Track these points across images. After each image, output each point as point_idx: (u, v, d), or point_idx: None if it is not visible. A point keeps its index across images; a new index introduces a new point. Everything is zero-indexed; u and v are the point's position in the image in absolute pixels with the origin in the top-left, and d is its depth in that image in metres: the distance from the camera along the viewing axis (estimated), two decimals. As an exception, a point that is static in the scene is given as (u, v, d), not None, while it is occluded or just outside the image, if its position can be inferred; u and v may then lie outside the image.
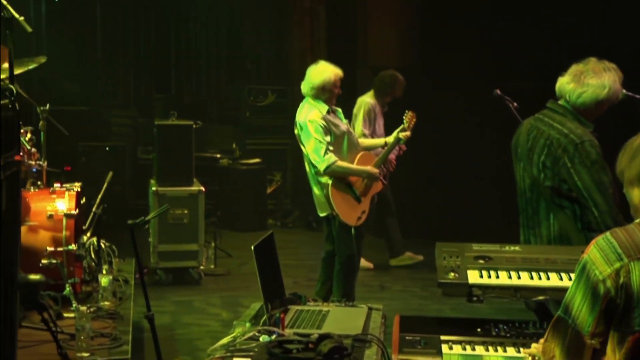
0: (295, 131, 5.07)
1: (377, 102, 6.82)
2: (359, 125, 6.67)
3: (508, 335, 2.94)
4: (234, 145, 9.42)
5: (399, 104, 7.07)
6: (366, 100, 6.82)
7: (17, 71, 5.13)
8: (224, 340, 2.83)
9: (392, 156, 6.79)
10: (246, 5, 10.06)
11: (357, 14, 9.12)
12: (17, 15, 3.64)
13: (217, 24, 10.36)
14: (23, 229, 4.26)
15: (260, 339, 2.83)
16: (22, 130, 4.70)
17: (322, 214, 5.10)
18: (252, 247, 3.10)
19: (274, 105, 9.66)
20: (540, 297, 3.03)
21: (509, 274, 3.11)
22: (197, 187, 6.56)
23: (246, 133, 9.64)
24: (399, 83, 6.88)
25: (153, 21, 10.14)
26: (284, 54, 10.08)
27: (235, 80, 10.17)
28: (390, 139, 5.28)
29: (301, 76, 5.17)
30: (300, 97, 5.17)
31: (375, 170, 5.06)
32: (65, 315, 4.15)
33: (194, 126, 6.72)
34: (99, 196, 5.30)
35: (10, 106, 3.36)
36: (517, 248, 3.29)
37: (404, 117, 5.24)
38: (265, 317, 3.01)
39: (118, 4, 9.92)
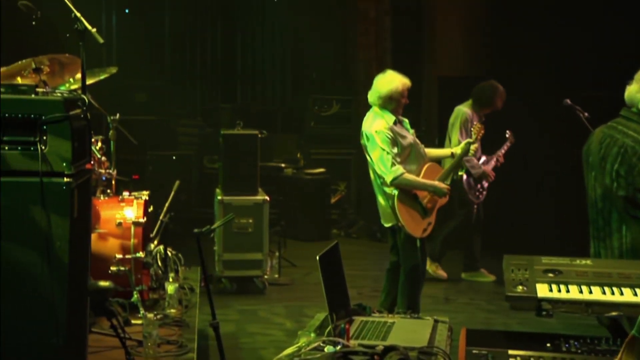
0: (362, 141, 5.06)
1: (475, 113, 6.71)
2: (455, 135, 6.59)
3: (579, 351, 2.86)
4: (298, 155, 9.47)
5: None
6: (463, 110, 6.74)
7: (89, 81, 5.30)
8: (289, 350, 2.84)
9: (489, 168, 6.73)
10: (312, 15, 10.13)
11: (424, 23, 9.08)
12: (89, 27, 3.75)
13: (282, 34, 10.47)
14: (93, 236, 4.37)
15: (325, 349, 2.83)
16: (93, 140, 4.82)
17: (387, 225, 5.07)
18: (317, 257, 3.10)
19: (339, 115, 9.67)
20: (614, 313, 2.94)
21: (580, 288, 3.04)
22: (262, 197, 6.61)
23: (310, 143, 9.68)
24: (499, 94, 6.71)
25: (220, 32, 10.31)
26: (349, 63, 10.10)
27: (300, 90, 10.24)
28: (458, 150, 5.22)
29: (366, 86, 5.17)
30: (365, 107, 5.16)
31: (442, 186, 5.00)
32: (133, 322, 4.23)
33: (259, 136, 6.78)
34: (166, 205, 5.40)
35: (82, 116, 3.46)
36: (588, 262, 3.20)
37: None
38: (330, 327, 3.00)
39: (186, 15, 10.13)
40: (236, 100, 10.34)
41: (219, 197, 6.58)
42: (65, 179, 3.17)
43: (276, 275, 6.93)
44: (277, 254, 6.99)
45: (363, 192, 9.17)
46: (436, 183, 4.98)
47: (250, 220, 6.53)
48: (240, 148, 6.73)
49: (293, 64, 10.44)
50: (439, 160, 5.37)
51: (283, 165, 9.23)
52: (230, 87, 10.35)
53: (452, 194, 6.81)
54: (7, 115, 3.18)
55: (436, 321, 3.35)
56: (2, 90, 3.28)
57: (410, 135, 5.04)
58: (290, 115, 10.25)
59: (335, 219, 9.39)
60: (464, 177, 6.77)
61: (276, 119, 10.19)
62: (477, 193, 6.83)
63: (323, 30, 10.14)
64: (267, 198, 6.62)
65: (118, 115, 5.55)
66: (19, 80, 4.24)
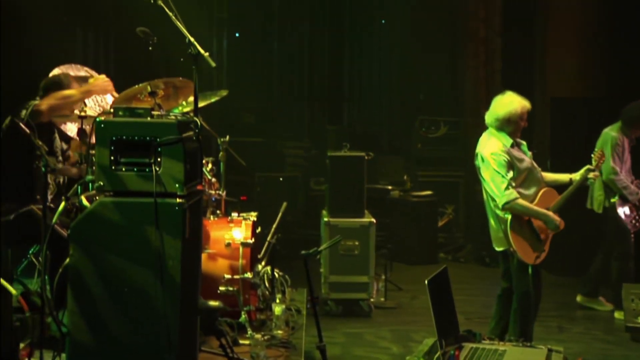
0: (476, 162, 4.97)
1: (625, 135, 6.40)
2: (608, 162, 6.21)
3: None
4: (405, 177, 9.41)
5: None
6: (612, 134, 6.41)
7: (200, 104, 5.46)
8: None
9: None
10: (419, 35, 10.10)
11: (535, 43, 8.87)
12: (202, 52, 3.86)
13: (389, 54, 10.48)
14: (203, 256, 4.47)
15: (434, 376, 2.78)
16: (204, 161, 4.96)
17: (498, 249, 4.95)
18: (426, 281, 3.06)
19: (446, 136, 9.56)
20: None
21: None
22: (369, 219, 6.60)
23: (418, 165, 9.60)
24: None
25: (327, 53, 10.43)
26: (458, 84, 9.99)
27: (407, 112, 10.20)
28: (577, 176, 5.01)
29: (475, 107, 5.10)
30: (474, 129, 5.09)
31: (556, 218, 4.82)
32: (241, 342, 4.29)
33: (366, 157, 6.78)
34: (274, 226, 5.48)
35: (194, 138, 3.57)
36: None
37: (592, 156, 4.99)
38: (438, 353, 2.95)
39: (294, 38, 10.31)
40: (343, 122, 10.40)
41: (326, 219, 6.61)
42: (178, 200, 3.28)
43: (382, 299, 6.88)
44: (383, 277, 6.94)
45: (471, 215, 9.00)
46: (549, 213, 4.82)
47: (357, 243, 6.52)
48: (346, 170, 6.75)
49: (400, 84, 10.43)
50: (556, 186, 5.16)
51: (390, 187, 9.19)
52: (337, 108, 10.43)
53: (606, 223, 6.50)
54: (124, 137, 3.32)
55: (550, 350, 3.24)
56: (121, 113, 3.43)
57: (527, 159, 4.90)
58: (397, 137, 10.22)
59: (443, 242, 9.26)
60: (620, 203, 6.38)
61: (383, 140, 10.17)
62: (635, 221, 6.43)
63: (431, 50, 10.08)
64: (374, 220, 6.60)
65: (228, 137, 5.68)
66: (135, 103, 4.42)
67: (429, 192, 8.97)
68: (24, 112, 4.41)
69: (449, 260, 8.86)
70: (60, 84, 4.76)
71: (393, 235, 8.71)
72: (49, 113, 4.46)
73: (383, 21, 10.56)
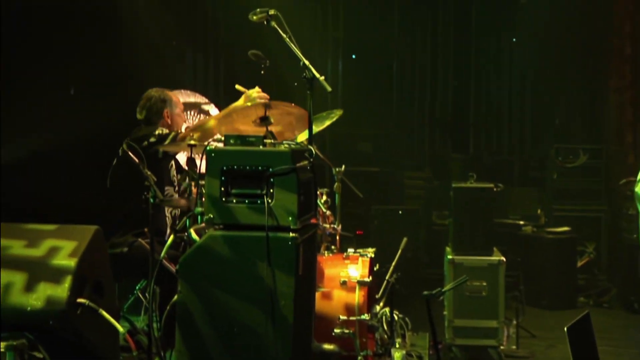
0: (636, 188, 4.79)
1: None
2: None
3: None
4: (539, 211, 9.17)
5: None
6: None
7: (315, 129, 5.55)
8: None
9: None
10: (554, 54, 9.89)
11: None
12: (317, 75, 3.93)
13: (521, 76, 10.30)
14: (317, 295, 4.50)
15: None
16: (318, 192, 5.01)
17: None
18: (565, 329, 2.96)
19: (587, 166, 9.26)
20: None
21: None
22: (498, 257, 6.47)
23: (553, 197, 9.34)
24: None
25: (451, 76, 10.37)
26: (599, 108, 9.69)
27: (541, 138, 9.97)
28: None
29: (619, 134, 4.92)
30: (618, 158, 4.91)
31: None
32: (356, 389, 4.28)
33: (495, 189, 6.67)
34: (393, 263, 5.45)
35: (308, 168, 3.62)
36: None
37: None
38: (580, 412, 2.84)
39: (415, 59, 10.31)
40: (468, 150, 10.28)
41: (450, 257, 6.53)
42: (291, 234, 3.33)
43: (513, 347, 6.70)
44: (514, 322, 6.77)
45: (616, 254, 8.64)
46: None
47: (484, 283, 6.40)
48: (473, 203, 6.65)
49: (533, 108, 10.22)
50: None
51: (521, 222, 8.98)
52: (461, 135, 10.33)
53: None
54: (235, 167, 3.41)
55: None
56: (232, 141, 3.52)
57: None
58: (530, 167, 9.99)
59: (583, 284, 8.93)
60: None
61: (513, 170, 9.97)
62: None
63: (568, 70, 9.84)
64: (503, 259, 6.46)
65: (343, 166, 5.72)
66: (241, 126, 4.53)
67: (566, 228, 8.71)
68: (147, 142, 4.62)
69: (590, 306, 8.54)
70: (165, 100, 4.97)
71: (525, 276, 8.47)
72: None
73: (514, 39, 10.41)
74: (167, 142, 4.66)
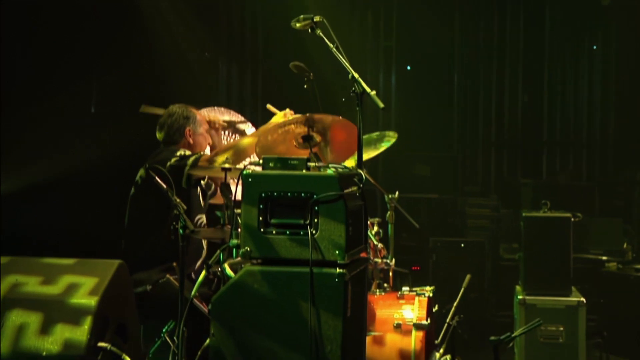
0: None
1: None
2: None
3: None
4: (625, 245, 9.05)
5: None
6: None
7: (366, 154, 5.57)
8: None
9: None
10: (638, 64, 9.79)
11: None
12: (368, 89, 3.95)
13: (602, 89, 10.21)
14: (367, 339, 4.49)
15: None
16: (368, 222, 5.01)
17: None
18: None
19: (681, 193, 9.14)
20: None
21: None
22: (577, 298, 6.40)
23: (641, 230, 9.23)
24: None
25: (521, 90, 10.32)
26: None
27: (625, 162, 9.85)
28: None
29: None
30: None
31: None
32: None
33: (573, 219, 6.61)
34: (454, 304, 5.42)
35: (358, 194, 3.63)
36: None
37: None
38: None
39: (480, 71, 10.27)
40: (541, 174, 10.20)
41: (520, 297, 6.48)
42: (338, 270, 3.33)
43: (595, 403, 6.61)
44: (596, 374, 6.67)
45: None
46: None
47: (561, 328, 6.33)
48: (547, 235, 6.60)
49: (617, 126, 10.11)
50: None
51: (604, 257, 8.86)
52: (533, 157, 10.25)
53: None
54: (275, 194, 3.44)
55: None
56: (271, 164, 3.56)
57: None
58: (613, 194, 9.87)
59: (677, 330, 8.78)
60: None
61: (594, 198, 9.86)
62: None
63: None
64: (584, 300, 6.39)
65: (397, 193, 5.72)
66: (279, 148, 4.55)
67: (657, 265, 8.58)
68: (173, 160, 4.69)
69: (685, 355, 8.39)
70: (188, 118, 5.04)
71: (609, 320, 8.36)
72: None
73: (594, 47, 10.33)
74: (189, 164, 4.71)
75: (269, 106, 4.97)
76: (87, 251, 4.36)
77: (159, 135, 5.09)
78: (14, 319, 3.68)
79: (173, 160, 4.73)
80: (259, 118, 5.04)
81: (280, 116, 4.82)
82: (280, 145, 4.54)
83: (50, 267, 3.94)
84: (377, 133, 5.75)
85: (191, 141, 5.05)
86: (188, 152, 4.85)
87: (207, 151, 5.22)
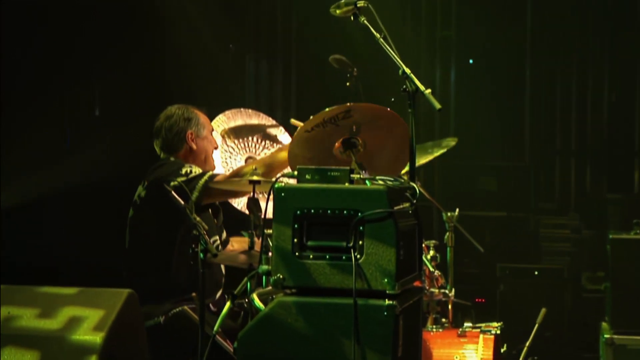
0: None
1: None
2: None
3: None
4: None
5: None
6: None
7: (419, 161, 5.56)
8: None
9: None
10: None
11: None
12: (422, 88, 3.96)
13: None
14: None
15: None
16: (423, 245, 5.01)
17: None
18: None
19: None
20: None
21: None
22: (675, 337, 6.35)
23: None
24: None
25: (606, 87, 10.24)
26: None
27: None
28: None
29: None
30: None
31: None
32: None
33: (671, 242, 6.57)
34: (527, 343, 5.40)
35: (410, 212, 3.64)
36: None
37: None
38: None
39: (557, 65, 10.19)
40: (632, 188, 10.12)
41: (607, 336, 6.43)
42: (387, 302, 3.34)
43: None
44: None
45: None
46: None
47: (657, 374, 6.28)
48: (635, 260, 6.56)
49: None
50: None
51: None
52: (622, 168, 10.17)
53: None
54: (313, 211, 3.46)
55: None
56: (307, 176, 3.57)
57: None
58: None
59: None
60: None
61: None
62: None
63: None
64: (685, 340, 6.33)
65: (457, 210, 5.72)
66: (317, 155, 4.54)
67: None
68: (178, 180, 4.72)
69: None
70: (190, 119, 5.07)
71: None
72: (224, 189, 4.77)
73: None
74: (198, 187, 4.73)
75: (293, 121, 4.96)
76: (92, 279, 4.40)
77: (156, 143, 5.13)
78: (6, 359, 3.72)
79: (178, 180, 4.75)
80: (292, 117, 5.04)
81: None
82: (316, 154, 4.51)
83: (48, 298, 3.98)
84: (432, 142, 5.76)
85: (194, 146, 5.07)
86: (196, 169, 4.85)
87: (217, 158, 5.25)
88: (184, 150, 5.06)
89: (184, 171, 4.81)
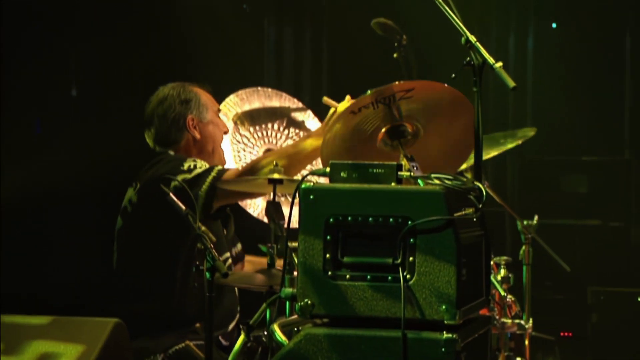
0: None
1: None
2: None
3: None
4: None
5: None
6: None
7: (487, 154, 5.56)
8: None
9: None
10: None
11: None
12: (491, 61, 3.96)
13: None
14: None
15: None
16: (492, 263, 5.02)
17: None
18: None
19: None
20: None
21: None
22: None
23: None
24: None
25: None
26: None
27: None
28: None
29: None
30: None
31: None
32: None
33: None
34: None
35: (475, 219, 3.65)
36: None
37: None
38: None
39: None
40: None
41: None
42: (446, 335, 3.35)
43: None
44: None
45: None
46: None
47: None
48: None
49: None
50: None
51: None
52: None
53: None
54: (350, 218, 3.47)
55: None
56: (343, 174, 3.58)
57: None
58: None
59: None
60: None
61: None
62: None
63: None
64: None
65: (536, 218, 5.71)
66: (357, 148, 4.55)
67: None
68: (180, 179, 4.73)
69: None
70: (189, 101, 5.08)
71: None
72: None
73: None
74: (204, 189, 4.75)
75: (326, 99, 4.97)
76: (69, 305, 4.43)
77: (147, 135, 5.16)
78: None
79: (179, 179, 4.75)
80: (324, 106, 4.99)
81: (340, 108, 4.76)
82: (356, 143, 4.51)
83: (14, 329, 4.01)
84: (503, 133, 5.77)
85: (197, 135, 5.09)
86: (201, 164, 4.86)
87: (227, 148, 5.26)
88: (185, 141, 5.08)
89: (186, 166, 4.83)
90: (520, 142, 5.66)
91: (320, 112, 5.32)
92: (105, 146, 6.72)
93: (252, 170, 4.78)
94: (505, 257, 5.44)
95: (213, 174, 4.79)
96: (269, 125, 5.42)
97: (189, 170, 4.80)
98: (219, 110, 5.22)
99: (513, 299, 5.32)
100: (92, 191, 6.66)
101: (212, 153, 5.10)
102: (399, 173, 3.58)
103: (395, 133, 4.33)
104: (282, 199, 4.70)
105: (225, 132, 5.21)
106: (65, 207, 6.86)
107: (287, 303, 3.86)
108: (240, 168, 5.04)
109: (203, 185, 4.75)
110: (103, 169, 6.51)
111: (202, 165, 4.86)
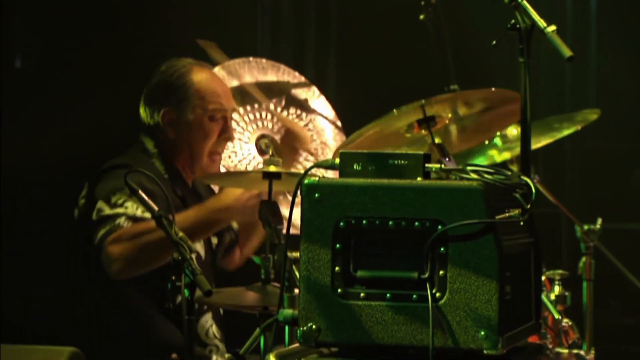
0: None
1: None
2: None
3: None
4: None
5: None
6: None
7: (538, 143, 5.58)
8: None
9: None
10: None
11: None
12: (542, 24, 3.96)
13: None
14: None
15: None
16: (543, 278, 5.04)
17: None
18: None
19: None
20: None
21: None
22: None
23: None
24: None
25: None
26: None
27: None
28: None
29: None
30: None
31: None
32: None
33: None
34: None
35: (522, 222, 3.64)
36: None
37: None
38: None
39: None
40: None
41: None
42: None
43: None
44: None
45: None
46: None
47: None
48: None
49: None
50: None
51: None
52: None
53: None
54: (365, 222, 3.47)
55: None
56: (356, 166, 3.58)
57: None
58: None
59: None
60: None
61: None
62: None
63: None
64: None
65: (599, 221, 5.73)
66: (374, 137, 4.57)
67: None
68: (94, 216, 4.76)
69: None
70: (174, 89, 5.09)
71: None
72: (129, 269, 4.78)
73: None
74: (96, 238, 4.78)
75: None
76: (19, 330, 4.45)
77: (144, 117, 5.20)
78: None
79: (94, 216, 4.80)
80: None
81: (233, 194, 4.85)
82: (376, 133, 4.54)
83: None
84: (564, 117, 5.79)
85: (170, 134, 5.09)
86: (115, 210, 4.84)
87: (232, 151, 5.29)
88: (162, 133, 5.08)
89: (113, 200, 4.83)
90: (579, 127, 5.67)
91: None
92: (67, 130, 6.72)
93: (139, 235, 4.72)
94: (560, 271, 5.45)
95: (102, 231, 4.77)
96: (264, 105, 5.41)
97: (110, 206, 4.79)
98: (233, 110, 5.19)
99: (570, 323, 5.34)
100: (50, 187, 6.66)
101: (191, 160, 5.09)
102: (427, 165, 3.55)
103: (425, 120, 4.35)
104: (280, 197, 4.71)
105: (227, 140, 5.19)
106: (17, 206, 6.88)
107: (287, 328, 3.86)
108: (130, 228, 4.91)
109: (95, 236, 4.76)
110: (66, 160, 6.50)
111: (115, 211, 4.81)
